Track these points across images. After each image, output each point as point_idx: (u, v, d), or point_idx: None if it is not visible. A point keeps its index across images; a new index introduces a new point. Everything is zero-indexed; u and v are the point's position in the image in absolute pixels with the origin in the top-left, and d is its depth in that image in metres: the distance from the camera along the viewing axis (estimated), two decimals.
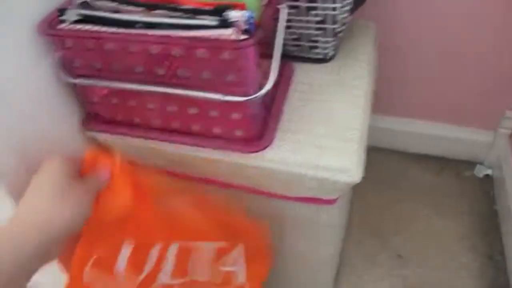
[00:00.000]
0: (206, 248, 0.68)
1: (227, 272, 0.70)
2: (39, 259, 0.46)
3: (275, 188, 0.67)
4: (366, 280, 1.00)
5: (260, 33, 0.53)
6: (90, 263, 0.60)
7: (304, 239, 0.77)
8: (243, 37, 0.51)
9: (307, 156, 0.61)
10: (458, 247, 1.03)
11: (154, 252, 0.65)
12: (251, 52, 0.52)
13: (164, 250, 0.65)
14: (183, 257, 0.66)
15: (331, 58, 0.75)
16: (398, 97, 1.12)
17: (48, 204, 0.47)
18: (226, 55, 0.52)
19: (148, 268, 0.65)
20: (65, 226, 0.47)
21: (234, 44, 0.51)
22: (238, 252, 0.70)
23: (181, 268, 0.67)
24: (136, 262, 0.64)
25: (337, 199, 0.68)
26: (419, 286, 0.98)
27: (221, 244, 0.69)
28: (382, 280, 0.99)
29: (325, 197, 0.66)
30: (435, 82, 1.08)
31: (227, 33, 0.51)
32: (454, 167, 1.19)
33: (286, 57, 0.73)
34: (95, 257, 0.60)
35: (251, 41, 0.51)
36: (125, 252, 0.63)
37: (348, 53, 0.77)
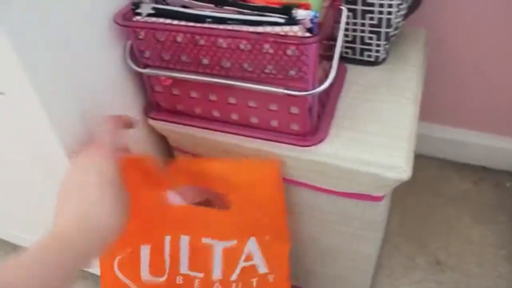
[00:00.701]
0: (216, 247, 0.71)
1: (245, 267, 0.73)
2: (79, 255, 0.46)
3: (324, 182, 0.70)
4: (403, 283, 1.01)
5: (323, 32, 0.56)
6: (115, 263, 0.67)
7: (346, 236, 0.79)
8: (307, 35, 0.55)
9: (360, 152, 0.64)
10: (497, 257, 1.03)
11: (167, 244, 0.69)
12: (315, 49, 0.55)
13: (175, 241, 0.70)
14: (196, 252, 0.70)
15: (382, 61, 0.78)
16: (440, 105, 1.14)
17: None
18: (291, 50, 0.56)
19: (167, 263, 0.70)
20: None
21: (300, 41, 0.54)
22: (251, 246, 0.72)
23: (196, 262, 0.71)
24: (157, 261, 0.69)
25: (384, 196, 0.70)
26: None
27: (232, 243, 0.71)
28: (419, 284, 1.00)
29: (373, 193, 0.68)
30: (479, 91, 1.08)
31: (294, 30, 0.54)
32: (494, 177, 1.19)
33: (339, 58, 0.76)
34: (118, 258, 0.67)
35: (316, 38, 0.54)
36: (145, 256, 0.69)
37: (399, 57, 0.79)
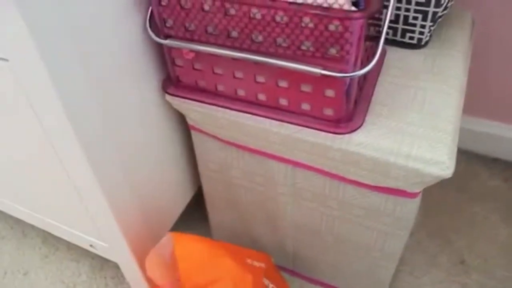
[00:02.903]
0: None
1: None
2: None
3: (356, 174, 0.64)
4: (424, 282, 0.95)
5: (371, 7, 0.49)
6: None
7: (373, 231, 0.74)
8: (353, 9, 0.48)
9: (398, 144, 0.58)
10: None
11: None
12: (361, 26, 0.49)
13: None
14: None
15: (424, 45, 0.71)
16: (473, 95, 1.06)
17: None
18: (334, 26, 0.49)
19: None
20: None
21: (345, 15, 0.47)
22: None
23: None
24: None
25: (419, 193, 0.64)
26: None
27: None
28: (441, 284, 0.95)
29: (409, 189, 0.62)
30: None
31: (340, 2, 0.47)
32: None
33: (377, 39, 0.69)
34: None
35: (363, 13, 0.48)
36: None
37: (443, 41, 0.72)
